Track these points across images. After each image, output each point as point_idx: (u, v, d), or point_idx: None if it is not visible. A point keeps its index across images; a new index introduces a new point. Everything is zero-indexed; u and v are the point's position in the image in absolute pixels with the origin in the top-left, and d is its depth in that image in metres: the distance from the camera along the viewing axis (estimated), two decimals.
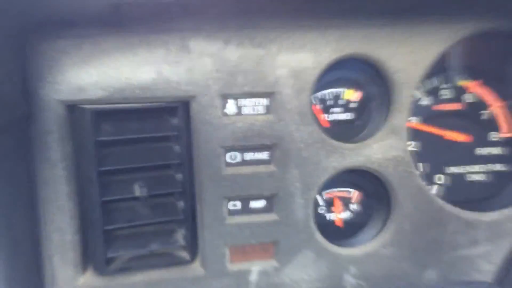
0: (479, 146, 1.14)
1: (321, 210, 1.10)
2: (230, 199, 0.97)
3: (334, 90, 1.06)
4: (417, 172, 1.02)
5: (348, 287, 1.04)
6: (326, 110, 1.07)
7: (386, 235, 1.04)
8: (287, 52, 0.92)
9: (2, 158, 0.80)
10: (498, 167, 1.15)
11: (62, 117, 0.88)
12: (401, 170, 1.00)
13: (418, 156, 1.09)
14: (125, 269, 0.96)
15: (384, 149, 0.99)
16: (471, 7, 0.96)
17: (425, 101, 1.11)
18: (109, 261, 0.95)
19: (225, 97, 0.92)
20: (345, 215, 1.11)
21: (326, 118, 1.07)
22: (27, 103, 0.86)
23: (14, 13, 0.77)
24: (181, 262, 0.99)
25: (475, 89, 1.12)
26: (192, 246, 0.99)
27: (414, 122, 1.09)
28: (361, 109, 1.07)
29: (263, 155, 0.97)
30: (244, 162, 0.96)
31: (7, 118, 0.81)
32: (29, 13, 0.80)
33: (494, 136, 1.14)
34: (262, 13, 0.90)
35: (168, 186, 0.96)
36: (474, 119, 1.13)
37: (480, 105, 1.13)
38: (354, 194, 1.11)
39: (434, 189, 1.12)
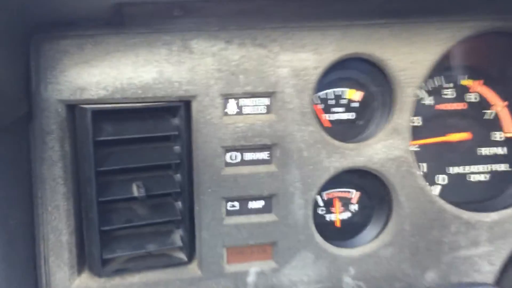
0: (481, 146, 1.13)
1: (321, 210, 1.09)
2: (228, 199, 0.96)
3: (335, 89, 1.05)
4: (419, 173, 1.01)
5: None
6: (328, 110, 1.05)
7: (386, 236, 1.03)
8: (288, 52, 0.92)
9: (1, 158, 0.80)
10: (501, 167, 1.14)
11: (63, 117, 0.87)
12: (403, 171, 1.00)
13: (420, 156, 1.08)
14: (121, 271, 0.95)
15: (387, 149, 0.98)
16: (474, 6, 0.95)
17: (428, 100, 1.10)
18: (105, 262, 0.94)
19: (226, 97, 0.92)
20: (345, 215, 1.10)
21: (328, 118, 1.05)
22: (29, 103, 0.86)
23: (17, 13, 0.76)
24: (178, 263, 0.98)
25: (478, 89, 1.11)
26: (190, 247, 0.98)
27: (416, 141, 1.08)
28: (363, 109, 1.06)
29: (264, 155, 0.96)
30: (244, 162, 0.95)
31: (8, 118, 0.81)
32: (31, 14, 0.80)
33: (497, 136, 1.13)
34: (264, 13, 0.89)
35: (167, 186, 0.95)
36: (477, 118, 1.12)
37: (483, 104, 1.12)
38: (354, 194, 1.10)
39: (436, 190, 1.12)
